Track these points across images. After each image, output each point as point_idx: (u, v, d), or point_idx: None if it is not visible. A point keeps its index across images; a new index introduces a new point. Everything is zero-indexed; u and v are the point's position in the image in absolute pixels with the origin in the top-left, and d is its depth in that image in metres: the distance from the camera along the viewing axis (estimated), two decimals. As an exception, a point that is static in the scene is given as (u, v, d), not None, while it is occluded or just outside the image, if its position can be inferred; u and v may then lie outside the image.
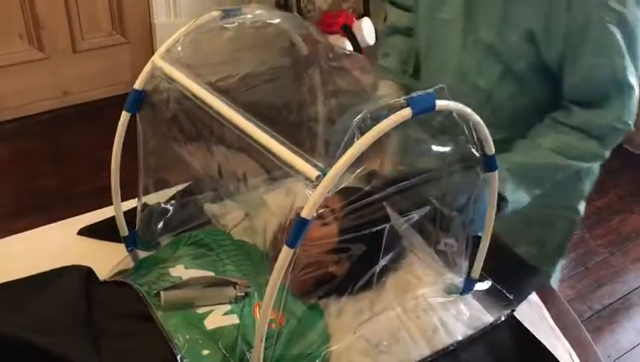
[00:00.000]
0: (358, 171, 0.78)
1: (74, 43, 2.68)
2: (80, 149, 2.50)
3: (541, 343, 1.03)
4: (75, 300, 0.94)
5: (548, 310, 1.13)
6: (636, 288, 2.18)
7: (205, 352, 0.90)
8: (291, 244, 0.73)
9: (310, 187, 0.73)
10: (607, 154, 1.20)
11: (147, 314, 0.94)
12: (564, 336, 1.09)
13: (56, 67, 2.68)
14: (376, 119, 0.75)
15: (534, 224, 1.36)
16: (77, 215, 1.27)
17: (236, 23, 0.98)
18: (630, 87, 1.12)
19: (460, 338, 1.01)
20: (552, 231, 1.39)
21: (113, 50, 2.77)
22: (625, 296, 2.19)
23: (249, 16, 0.98)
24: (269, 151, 0.78)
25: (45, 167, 2.45)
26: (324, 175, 0.72)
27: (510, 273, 1.16)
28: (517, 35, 1.14)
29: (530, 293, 1.14)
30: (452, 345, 1.00)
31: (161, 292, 0.96)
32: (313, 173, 0.73)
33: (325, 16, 2.74)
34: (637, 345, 2.02)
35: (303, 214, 0.72)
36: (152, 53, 0.96)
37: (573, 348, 1.07)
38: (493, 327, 1.05)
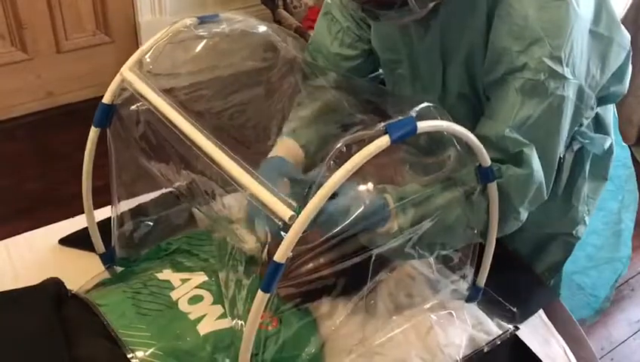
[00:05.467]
0: None
1: (57, 43, 2.63)
2: (65, 151, 2.46)
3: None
4: (47, 325, 0.90)
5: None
6: (627, 280, 2.18)
7: None
8: (266, 289, 0.70)
9: (284, 228, 0.69)
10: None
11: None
12: (558, 332, 1.09)
13: (40, 68, 2.64)
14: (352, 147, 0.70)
15: (527, 245, 1.30)
16: (63, 218, 1.26)
17: (213, 31, 0.93)
18: None
19: (457, 342, 0.99)
20: (545, 254, 1.32)
21: (98, 49, 2.72)
22: (617, 288, 2.19)
23: (225, 24, 0.94)
24: (239, 184, 0.74)
25: (30, 170, 2.41)
26: (299, 214, 0.68)
27: (521, 288, 1.14)
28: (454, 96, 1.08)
29: (537, 310, 1.12)
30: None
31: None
32: (287, 212, 0.69)
33: (311, 13, 2.72)
34: (629, 337, 2.03)
35: (277, 258, 0.68)
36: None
37: (567, 343, 1.07)
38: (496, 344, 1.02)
